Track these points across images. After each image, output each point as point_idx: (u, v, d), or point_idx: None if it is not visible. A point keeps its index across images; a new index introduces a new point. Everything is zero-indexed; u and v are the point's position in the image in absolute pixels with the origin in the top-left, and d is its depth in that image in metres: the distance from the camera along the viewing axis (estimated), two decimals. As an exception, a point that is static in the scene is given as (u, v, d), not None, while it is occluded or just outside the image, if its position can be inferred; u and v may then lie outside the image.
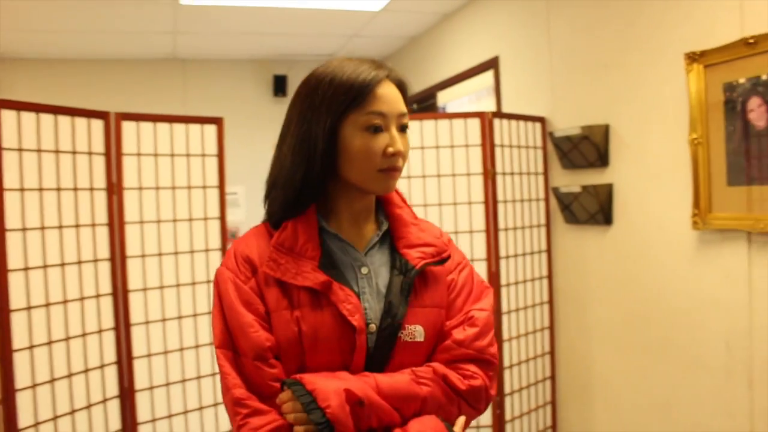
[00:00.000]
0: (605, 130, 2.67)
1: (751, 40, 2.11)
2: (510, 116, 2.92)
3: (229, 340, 1.11)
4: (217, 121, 2.54)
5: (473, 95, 4.18)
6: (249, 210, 5.22)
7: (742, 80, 2.22)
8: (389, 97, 1.15)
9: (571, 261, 2.96)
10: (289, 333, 1.08)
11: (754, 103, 2.19)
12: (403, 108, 1.18)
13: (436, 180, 2.76)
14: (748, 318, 2.16)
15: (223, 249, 2.52)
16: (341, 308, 1.10)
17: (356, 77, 1.13)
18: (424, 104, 5.17)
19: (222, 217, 2.52)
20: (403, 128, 1.18)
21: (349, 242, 1.19)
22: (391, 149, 1.14)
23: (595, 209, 2.72)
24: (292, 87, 5.52)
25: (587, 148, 2.72)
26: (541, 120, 3.05)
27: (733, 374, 2.19)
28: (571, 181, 2.88)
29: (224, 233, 2.52)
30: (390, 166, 1.15)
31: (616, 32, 2.60)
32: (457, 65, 4.29)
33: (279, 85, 5.39)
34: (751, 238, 2.20)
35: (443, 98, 4.86)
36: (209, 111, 2.72)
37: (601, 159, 2.69)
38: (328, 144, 1.13)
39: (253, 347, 1.07)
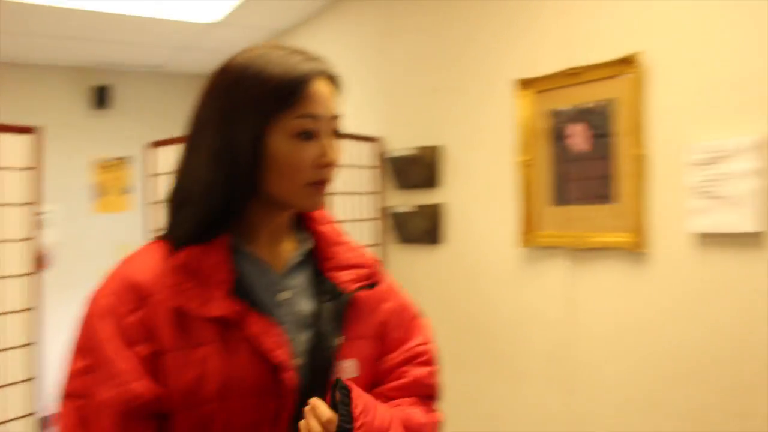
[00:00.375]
0: (438, 151, 2.77)
1: (575, 71, 2.29)
2: (345, 136, 2.93)
3: (84, 388, 0.89)
4: (34, 131, 2.28)
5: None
6: (64, 231, 4.80)
7: (566, 107, 2.38)
8: (323, 96, 0.98)
9: (404, 279, 2.99)
10: (187, 378, 0.89)
11: (576, 128, 2.36)
12: (336, 109, 1.01)
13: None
14: (569, 331, 2.32)
15: (34, 274, 2.26)
16: (262, 342, 0.92)
17: (288, 72, 0.95)
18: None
19: (33, 239, 2.27)
20: (335, 132, 1.02)
21: (266, 263, 1.02)
22: (324, 159, 0.98)
23: (426, 228, 2.80)
24: (115, 99, 5.24)
25: (420, 169, 2.81)
26: (375, 140, 3.10)
27: (553, 383, 2.35)
28: (404, 201, 2.95)
29: (36, 257, 2.27)
30: (320, 178, 0.99)
31: (450, 57, 2.72)
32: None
33: (100, 96, 5.04)
34: (572, 255, 2.36)
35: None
36: (17, 120, 2.45)
37: (433, 179, 2.78)
38: (252, 152, 0.94)
39: (122, 400, 0.87)
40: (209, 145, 0.97)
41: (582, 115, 2.33)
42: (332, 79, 1.02)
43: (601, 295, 2.24)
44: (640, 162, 2.16)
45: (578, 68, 2.29)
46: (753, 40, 1.93)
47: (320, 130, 0.98)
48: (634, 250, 2.18)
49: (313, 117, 0.96)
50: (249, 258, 1.00)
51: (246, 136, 0.94)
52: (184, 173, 1.01)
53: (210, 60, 4.94)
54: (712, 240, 2.04)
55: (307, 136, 0.96)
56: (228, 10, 3.84)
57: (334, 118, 1.00)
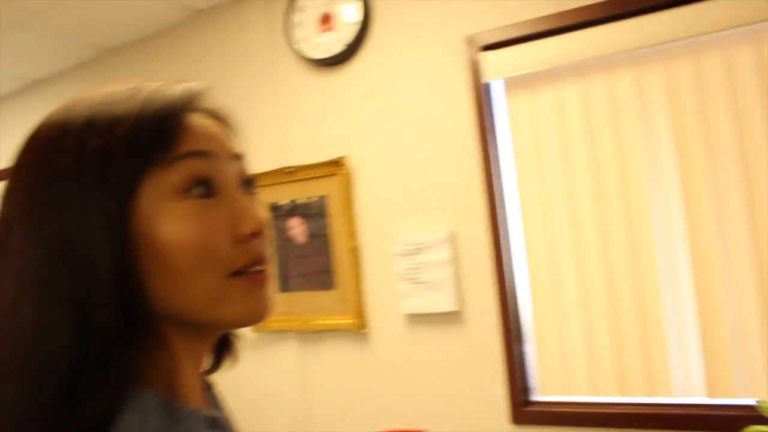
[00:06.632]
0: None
1: (290, 170, 2.58)
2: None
3: None
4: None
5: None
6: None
7: (284, 202, 2.57)
8: (211, 130, 0.63)
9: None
10: None
11: (294, 222, 2.60)
12: (236, 147, 0.66)
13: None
14: (305, 406, 2.58)
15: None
16: None
17: (145, 105, 0.59)
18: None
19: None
20: (248, 183, 0.66)
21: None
22: (246, 220, 0.61)
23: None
24: None
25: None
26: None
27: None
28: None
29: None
30: (253, 257, 0.62)
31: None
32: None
33: None
34: (300, 337, 2.58)
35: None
36: None
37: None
38: (116, 246, 0.55)
39: None
40: (28, 256, 0.56)
41: (298, 209, 2.55)
42: (217, 115, 0.67)
43: (329, 373, 2.49)
44: (354, 253, 2.44)
45: (294, 167, 2.55)
46: (435, 153, 2.32)
47: (222, 178, 0.62)
48: (356, 330, 2.42)
49: (204, 154, 0.61)
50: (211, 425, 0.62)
51: (99, 218, 0.55)
52: None
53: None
54: (419, 320, 2.34)
55: (205, 189, 0.60)
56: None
57: (237, 158, 0.66)
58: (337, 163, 2.53)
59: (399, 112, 2.50)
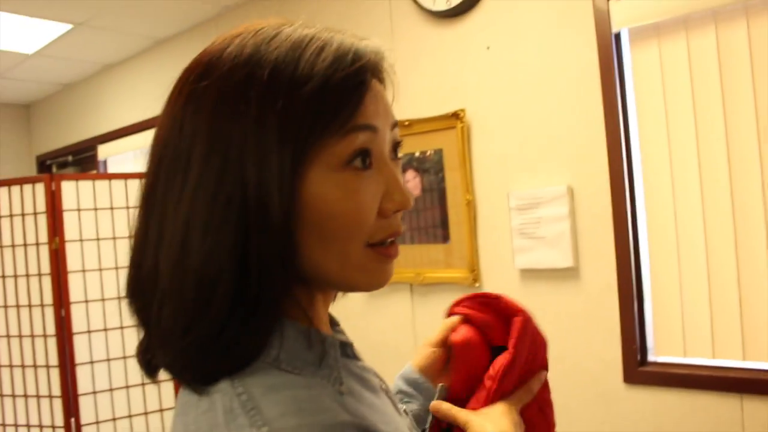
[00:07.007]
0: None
1: (406, 123, 2.59)
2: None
3: None
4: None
5: (140, 151, 4.02)
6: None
7: (399, 155, 2.87)
8: (382, 98, 0.64)
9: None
10: None
11: (409, 175, 2.63)
12: (394, 114, 0.67)
13: (95, 244, 2.69)
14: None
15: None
16: None
17: (334, 66, 0.58)
18: (81, 156, 4.76)
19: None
20: (395, 147, 0.67)
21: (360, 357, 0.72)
22: (396, 197, 0.63)
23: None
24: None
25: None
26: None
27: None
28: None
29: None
30: (390, 232, 0.64)
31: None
32: (120, 119, 4.22)
33: None
34: (413, 289, 2.61)
35: (105, 152, 4.45)
36: None
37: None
38: (286, 204, 0.57)
39: None
40: (200, 202, 0.57)
41: (413, 162, 2.58)
42: (388, 80, 0.67)
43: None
44: (470, 207, 2.45)
45: (410, 120, 2.55)
46: (556, 106, 2.27)
47: (380, 150, 0.63)
48: (469, 284, 2.42)
49: (374, 129, 0.61)
50: (345, 351, 0.68)
51: (271, 178, 0.56)
52: (159, 253, 0.59)
53: (23, 90, 4.87)
54: (534, 275, 2.34)
55: (363, 161, 0.60)
56: (46, 42, 3.76)
57: (395, 126, 0.67)
58: (454, 116, 2.52)
59: (519, 64, 2.47)
